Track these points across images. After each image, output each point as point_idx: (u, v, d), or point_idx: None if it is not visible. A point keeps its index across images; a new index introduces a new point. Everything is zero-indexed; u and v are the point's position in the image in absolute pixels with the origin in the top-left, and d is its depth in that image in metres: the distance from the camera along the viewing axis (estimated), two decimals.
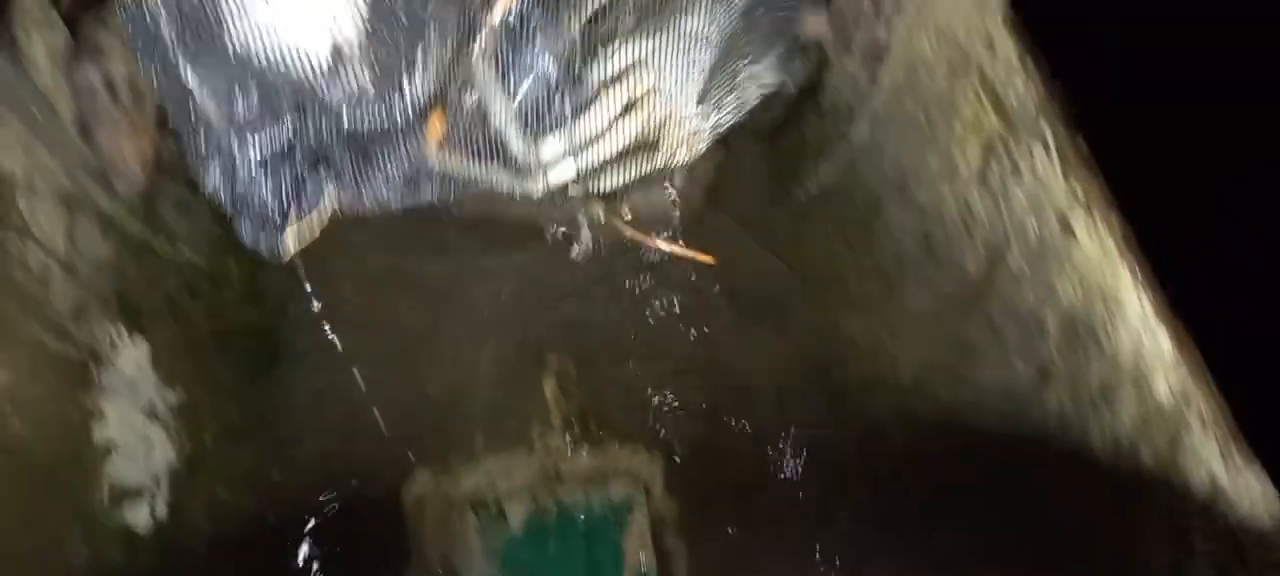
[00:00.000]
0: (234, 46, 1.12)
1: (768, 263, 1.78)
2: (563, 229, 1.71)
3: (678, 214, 1.69)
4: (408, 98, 1.14)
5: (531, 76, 1.17)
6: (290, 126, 1.15)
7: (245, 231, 1.21)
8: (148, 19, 1.12)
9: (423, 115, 1.15)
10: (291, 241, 1.21)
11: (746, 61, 1.32)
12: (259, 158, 1.16)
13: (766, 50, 1.36)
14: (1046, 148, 1.12)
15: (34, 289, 1.20)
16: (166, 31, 1.13)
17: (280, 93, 1.12)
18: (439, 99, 1.14)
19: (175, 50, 1.14)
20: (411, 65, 1.12)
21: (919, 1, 1.36)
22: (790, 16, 1.39)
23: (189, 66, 1.14)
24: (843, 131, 1.58)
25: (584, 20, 1.16)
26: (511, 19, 1.13)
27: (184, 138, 1.17)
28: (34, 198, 1.23)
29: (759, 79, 1.37)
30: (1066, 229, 1.12)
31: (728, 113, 1.34)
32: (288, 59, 1.12)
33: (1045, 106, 1.11)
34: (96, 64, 1.30)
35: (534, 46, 1.16)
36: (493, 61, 1.15)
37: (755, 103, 1.36)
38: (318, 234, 1.24)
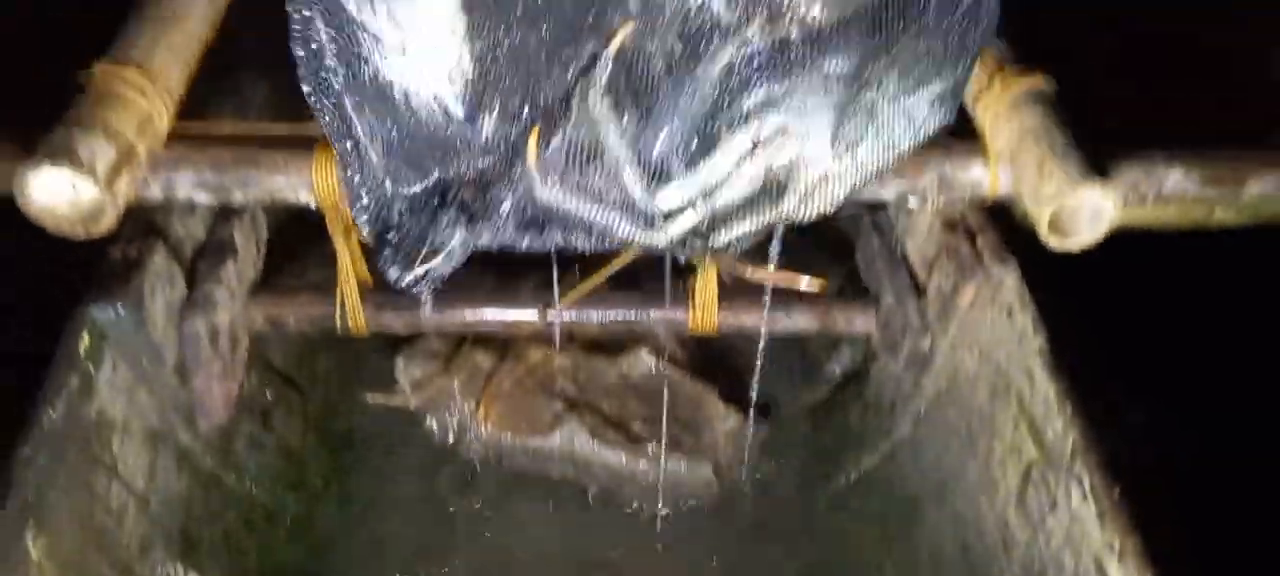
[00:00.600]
0: (377, 85, 1.16)
1: (802, 545, 1.79)
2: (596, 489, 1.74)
3: (717, 484, 1.74)
4: (522, 134, 1.16)
5: (652, 116, 1.16)
6: (428, 167, 1.19)
7: (384, 264, 1.24)
8: (314, 48, 1.16)
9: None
10: (426, 284, 1.24)
11: (890, 93, 1.22)
12: (405, 194, 1.20)
13: (920, 83, 1.23)
14: (1083, 490, 1.17)
15: (109, 526, 1.27)
16: (331, 63, 1.17)
17: (418, 133, 1.17)
18: (550, 132, 1.17)
19: (336, 82, 1.18)
20: (526, 101, 1.15)
21: (963, 320, 1.45)
22: (953, 40, 1.23)
23: (347, 100, 1.18)
24: (885, 426, 1.64)
25: (720, 66, 1.16)
26: (630, 55, 1.13)
27: (346, 168, 1.21)
28: (127, 437, 1.32)
29: (910, 114, 1.24)
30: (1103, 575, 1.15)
31: (870, 152, 1.24)
32: (417, 100, 1.17)
33: (1082, 451, 1.17)
34: (205, 315, 1.43)
35: (656, 86, 1.15)
36: (610, 98, 1.15)
37: (906, 145, 1.24)
38: (446, 272, 1.25)
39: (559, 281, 1.82)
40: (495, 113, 1.16)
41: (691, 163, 1.16)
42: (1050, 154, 1.25)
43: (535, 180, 1.19)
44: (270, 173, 1.32)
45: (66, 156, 1.12)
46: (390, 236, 1.24)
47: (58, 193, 1.15)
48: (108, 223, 1.18)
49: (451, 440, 1.71)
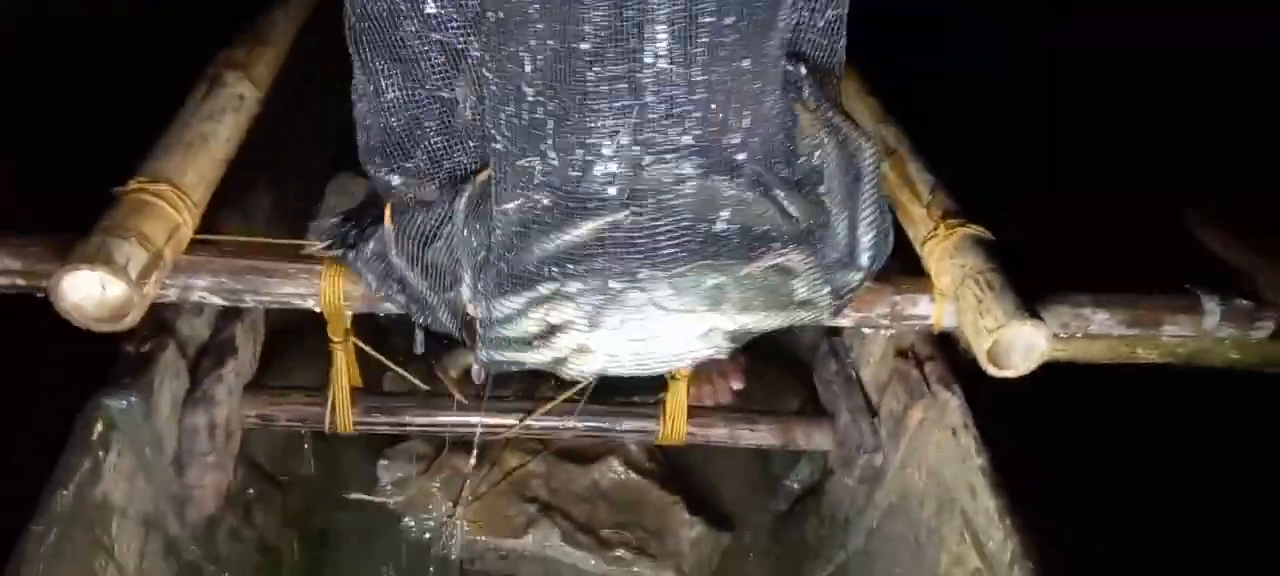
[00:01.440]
0: None
1: None
2: None
3: None
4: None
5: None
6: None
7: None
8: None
9: None
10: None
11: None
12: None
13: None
14: None
15: None
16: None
17: None
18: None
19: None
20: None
21: (912, 439, 1.59)
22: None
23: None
24: (840, 538, 1.75)
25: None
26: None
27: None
28: (124, 522, 1.39)
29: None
30: None
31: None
32: None
33: (1019, 559, 1.29)
34: (206, 410, 1.52)
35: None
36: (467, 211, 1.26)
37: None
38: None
39: (539, 388, 1.93)
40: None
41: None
42: (988, 291, 1.41)
43: (390, 241, 1.30)
44: (281, 280, 1.43)
45: (104, 260, 1.23)
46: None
47: (88, 292, 1.25)
48: (132, 320, 1.28)
49: (428, 539, 1.78)
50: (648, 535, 1.78)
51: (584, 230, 1.17)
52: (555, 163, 1.16)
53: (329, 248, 1.43)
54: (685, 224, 1.16)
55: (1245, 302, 1.62)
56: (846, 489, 1.73)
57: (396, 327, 2.07)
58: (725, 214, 1.19)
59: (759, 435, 1.76)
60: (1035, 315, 1.40)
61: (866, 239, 1.30)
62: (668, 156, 1.14)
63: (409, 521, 1.80)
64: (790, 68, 1.25)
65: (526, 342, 1.25)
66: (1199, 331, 1.63)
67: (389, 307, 1.42)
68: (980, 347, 1.39)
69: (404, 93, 1.30)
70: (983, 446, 1.46)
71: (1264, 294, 1.63)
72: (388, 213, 1.33)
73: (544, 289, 1.20)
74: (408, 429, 1.73)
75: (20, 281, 1.38)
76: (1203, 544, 1.80)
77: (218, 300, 1.44)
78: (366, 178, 2.19)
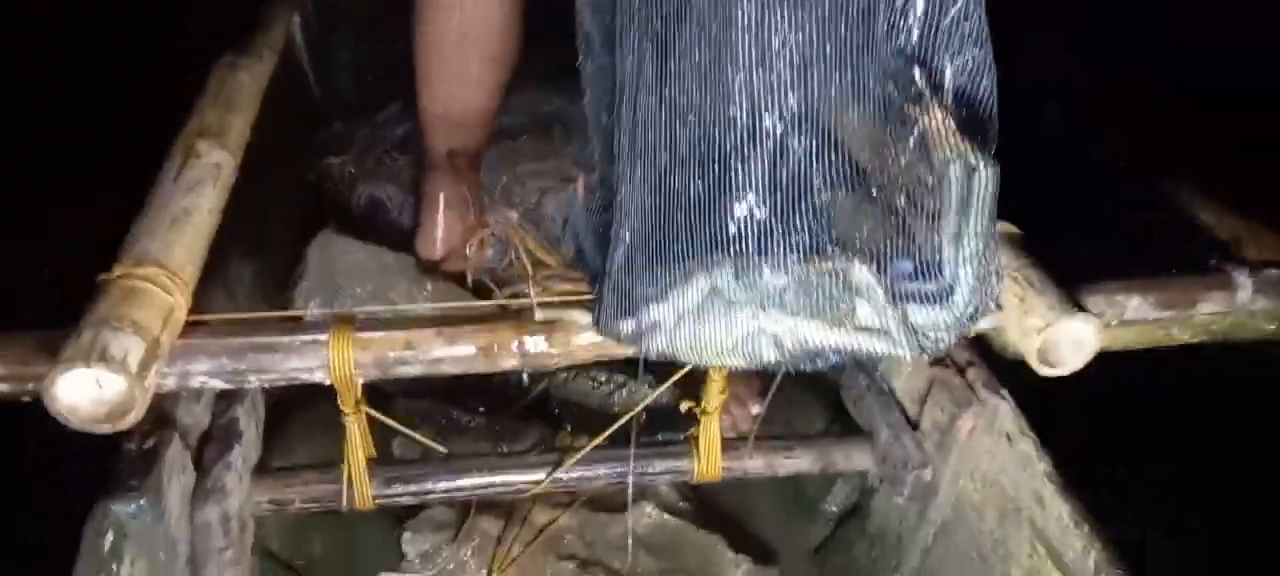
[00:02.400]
0: None
1: None
2: None
3: None
4: None
5: None
6: None
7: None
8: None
9: None
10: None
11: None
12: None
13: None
14: None
15: None
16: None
17: None
18: None
19: None
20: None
21: (963, 450, 1.52)
22: None
23: None
24: (893, 560, 1.68)
25: None
26: None
27: None
28: None
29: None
30: None
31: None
32: None
33: (1106, 567, 1.23)
34: (217, 503, 1.41)
35: None
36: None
37: None
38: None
39: (558, 441, 1.85)
40: None
41: None
42: (1029, 288, 1.36)
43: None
44: (285, 355, 1.34)
45: (100, 355, 1.13)
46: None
47: (83, 391, 1.15)
48: (135, 416, 1.17)
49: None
50: None
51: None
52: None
53: None
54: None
55: (1276, 272, 1.59)
56: (895, 508, 1.66)
57: (402, 390, 1.99)
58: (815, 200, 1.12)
59: (796, 461, 1.69)
60: (1081, 308, 1.35)
61: (965, 275, 1.14)
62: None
63: None
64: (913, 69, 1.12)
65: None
66: (1233, 306, 1.59)
67: (404, 371, 1.34)
68: (1029, 347, 1.34)
69: None
70: (1043, 451, 1.40)
71: None
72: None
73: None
74: (430, 497, 1.63)
75: (2, 387, 1.28)
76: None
77: (219, 383, 1.34)
78: (350, 237, 2.13)
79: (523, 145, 2.28)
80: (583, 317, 1.32)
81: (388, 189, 2.32)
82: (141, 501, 1.28)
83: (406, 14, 1.99)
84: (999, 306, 1.22)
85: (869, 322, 1.16)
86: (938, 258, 1.13)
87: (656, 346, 1.21)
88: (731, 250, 1.13)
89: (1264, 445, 1.89)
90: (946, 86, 1.11)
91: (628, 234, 1.20)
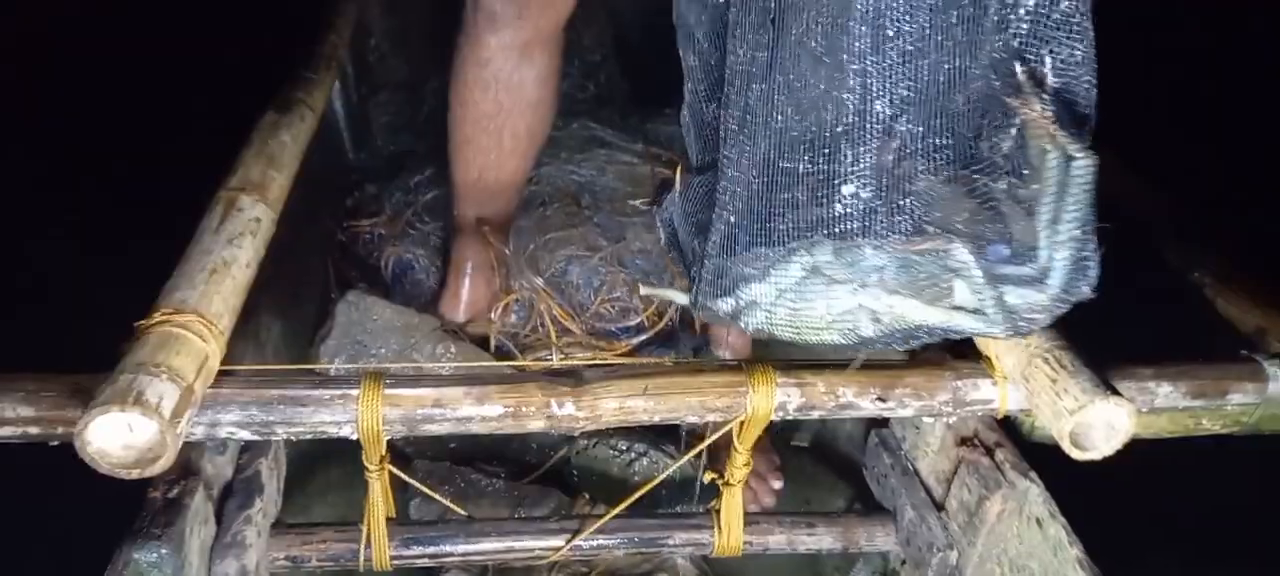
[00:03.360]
0: None
1: None
2: None
3: None
4: None
5: None
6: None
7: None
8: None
9: None
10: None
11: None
12: None
13: None
14: None
15: None
16: None
17: None
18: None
19: None
20: None
21: (988, 533, 1.50)
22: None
23: None
24: None
25: None
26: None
27: None
28: None
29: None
30: None
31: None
32: None
33: None
34: (236, 557, 1.40)
35: None
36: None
37: None
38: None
39: (576, 509, 1.83)
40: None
41: None
42: (1061, 370, 1.35)
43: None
44: (315, 408, 1.35)
45: (135, 399, 1.14)
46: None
47: (114, 436, 1.16)
48: (164, 464, 1.18)
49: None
50: None
51: None
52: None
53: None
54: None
55: None
56: None
57: (421, 453, 1.98)
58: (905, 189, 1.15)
59: (818, 538, 1.67)
60: (1114, 392, 1.35)
61: (1059, 258, 1.18)
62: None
63: None
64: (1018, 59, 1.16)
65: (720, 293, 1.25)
66: (1265, 397, 1.58)
67: (432, 429, 1.34)
68: (1061, 430, 1.33)
69: None
70: (1074, 536, 1.37)
71: None
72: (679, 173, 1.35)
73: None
74: (448, 560, 1.62)
75: (33, 430, 1.28)
76: None
77: (247, 434, 1.34)
78: (377, 296, 2.16)
79: (552, 214, 2.31)
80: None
81: (416, 252, 2.35)
82: (163, 550, 1.27)
83: (443, 82, 2.04)
84: (1094, 291, 1.22)
85: (965, 302, 1.19)
86: (1034, 242, 1.17)
87: (754, 322, 1.23)
88: (835, 230, 1.17)
89: None
90: (1048, 80, 1.15)
91: (731, 215, 1.22)
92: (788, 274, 1.20)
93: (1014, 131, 1.17)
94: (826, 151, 1.17)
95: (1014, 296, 1.20)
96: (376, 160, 2.76)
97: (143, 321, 1.28)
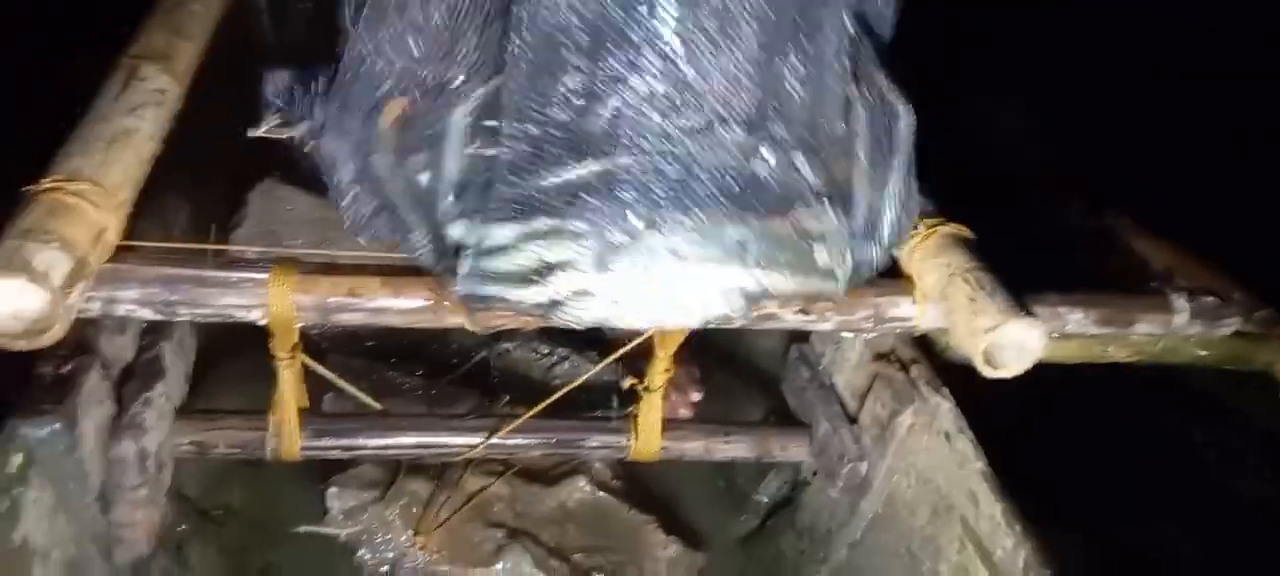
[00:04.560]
0: None
1: None
2: None
3: None
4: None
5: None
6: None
7: None
8: None
9: None
10: None
11: None
12: None
13: None
14: None
15: None
16: None
17: None
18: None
19: None
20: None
21: (899, 446, 1.53)
22: None
23: None
24: (820, 553, 1.68)
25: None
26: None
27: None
28: (46, 565, 1.22)
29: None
30: None
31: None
32: None
33: (1035, 567, 1.24)
34: (134, 438, 1.35)
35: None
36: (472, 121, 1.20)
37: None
38: None
39: (495, 409, 1.81)
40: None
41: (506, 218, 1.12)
42: (980, 290, 1.37)
43: (379, 149, 1.22)
44: (222, 290, 1.29)
45: (22, 267, 1.07)
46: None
47: (4, 303, 1.09)
48: (55, 335, 1.12)
49: (385, 572, 1.64)
50: (622, 558, 1.68)
51: (596, 167, 1.09)
52: (577, 98, 1.10)
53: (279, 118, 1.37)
54: (709, 174, 1.11)
55: (1212, 300, 1.64)
56: (827, 500, 1.67)
57: (336, 346, 1.93)
58: (753, 169, 1.13)
59: (734, 447, 1.69)
60: (1029, 313, 1.37)
61: (889, 214, 1.26)
62: (689, 111, 1.10)
63: (364, 554, 1.65)
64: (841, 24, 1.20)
65: (520, 278, 1.13)
66: (1169, 329, 1.64)
67: (346, 319, 1.29)
68: (975, 348, 1.35)
69: None
70: (980, 450, 1.41)
71: (1224, 293, 1.66)
72: (389, 111, 1.24)
73: (543, 223, 1.10)
74: (360, 453, 1.59)
75: None
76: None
77: (148, 313, 1.28)
78: (294, 187, 2.07)
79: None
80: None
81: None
82: (55, 426, 1.21)
83: None
84: (915, 226, 1.34)
85: (824, 264, 1.20)
86: (869, 199, 1.25)
87: (592, 314, 1.14)
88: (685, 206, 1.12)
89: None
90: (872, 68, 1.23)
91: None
92: (624, 257, 1.11)
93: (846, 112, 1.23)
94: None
95: (857, 254, 1.26)
96: (299, 44, 2.63)
97: (32, 187, 1.21)
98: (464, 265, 1.14)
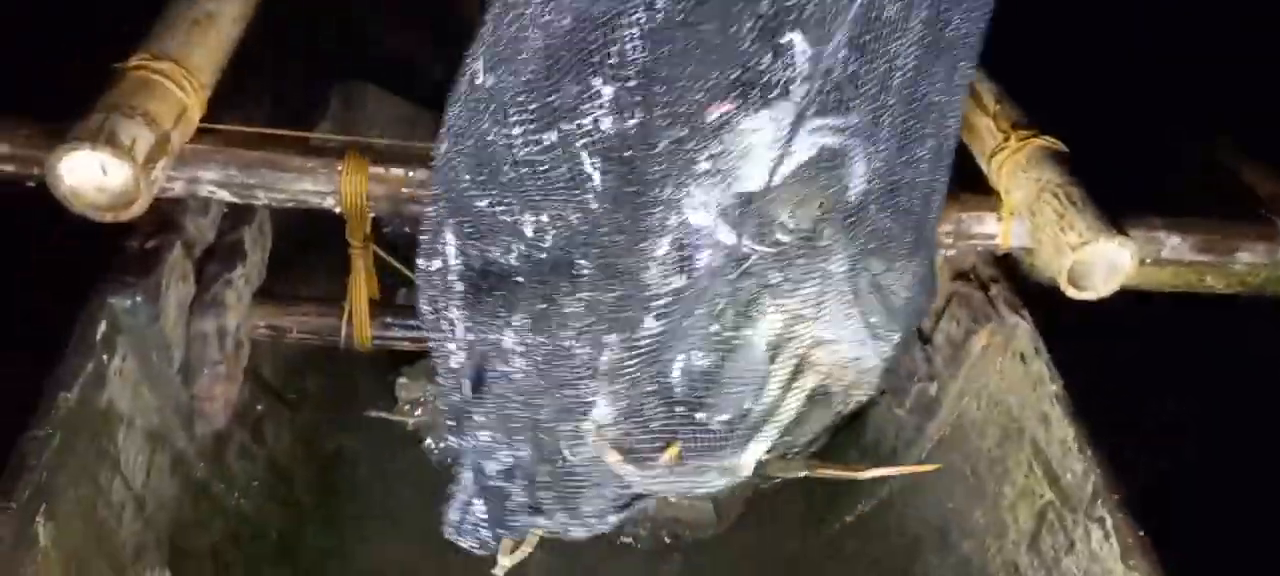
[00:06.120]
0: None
1: None
2: None
3: (717, 523, 1.73)
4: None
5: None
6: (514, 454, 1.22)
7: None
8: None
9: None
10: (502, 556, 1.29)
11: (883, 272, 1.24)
12: (492, 470, 1.23)
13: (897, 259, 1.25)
14: (1104, 531, 1.19)
15: (110, 523, 1.21)
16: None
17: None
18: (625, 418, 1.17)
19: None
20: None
21: (970, 367, 1.49)
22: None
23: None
24: None
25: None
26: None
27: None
28: (130, 432, 1.28)
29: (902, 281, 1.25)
30: None
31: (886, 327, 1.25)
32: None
33: (1104, 491, 1.20)
34: (215, 316, 1.40)
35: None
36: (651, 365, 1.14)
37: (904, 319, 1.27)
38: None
39: None
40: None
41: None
42: (1070, 206, 1.31)
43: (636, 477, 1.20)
44: (298, 175, 1.31)
45: (107, 139, 1.10)
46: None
47: (88, 175, 1.13)
48: (138, 208, 1.16)
49: (450, 462, 1.68)
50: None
51: None
52: None
53: None
54: None
55: None
56: (894, 419, 1.64)
57: (409, 243, 1.96)
58: None
59: None
60: (1122, 232, 1.31)
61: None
62: None
63: (429, 443, 1.69)
64: None
65: None
66: (1274, 259, 1.55)
67: (419, 210, 1.30)
68: (1061, 266, 1.29)
69: None
70: (1056, 372, 1.36)
71: None
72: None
73: None
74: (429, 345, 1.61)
75: (10, 167, 1.25)
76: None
77: (227, 196, 1.32)
78: (380, 89, 2.08)
79: None
80: None
81: (421, 40, 2.25)
82: (139, 298, 1.26)
83: None
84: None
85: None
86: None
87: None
88: None
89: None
90: None
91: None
92: None
93: None
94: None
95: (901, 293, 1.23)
96: None
97: (120, 64, 1.23)
98: None
